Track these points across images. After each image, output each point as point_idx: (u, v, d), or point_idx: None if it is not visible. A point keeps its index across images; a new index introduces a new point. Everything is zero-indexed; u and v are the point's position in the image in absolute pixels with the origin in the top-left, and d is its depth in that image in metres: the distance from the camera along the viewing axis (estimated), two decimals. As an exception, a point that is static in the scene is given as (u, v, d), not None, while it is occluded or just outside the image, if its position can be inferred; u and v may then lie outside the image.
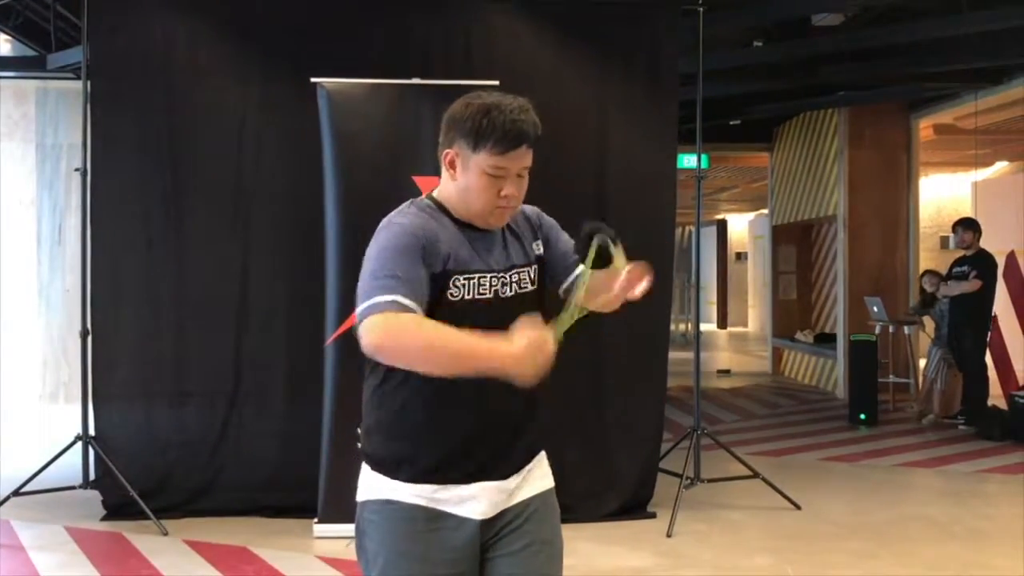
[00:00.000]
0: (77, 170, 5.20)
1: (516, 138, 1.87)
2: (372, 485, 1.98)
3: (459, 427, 1.92)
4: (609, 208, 5.30)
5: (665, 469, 5.48)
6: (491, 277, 1.95)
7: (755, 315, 19.95)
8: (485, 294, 1.94)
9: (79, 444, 5.12)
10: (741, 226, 21.66)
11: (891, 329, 9.27)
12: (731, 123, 10.88)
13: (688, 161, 9.10)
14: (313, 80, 4.83)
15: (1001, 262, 8.37)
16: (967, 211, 9.61)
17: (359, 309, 1.82)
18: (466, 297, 1.91)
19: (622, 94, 5.35)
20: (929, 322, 8.91)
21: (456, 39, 5.29)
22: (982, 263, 8.03)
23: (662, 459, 5.48)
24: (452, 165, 1.95)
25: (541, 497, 2.05)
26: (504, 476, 1.97)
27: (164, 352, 5.21)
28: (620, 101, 5.35)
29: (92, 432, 5.13)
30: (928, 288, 8.60)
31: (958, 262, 8.30)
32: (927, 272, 8.80)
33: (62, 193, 8.98)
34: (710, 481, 5.45)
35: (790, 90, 9.32)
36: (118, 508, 5.08)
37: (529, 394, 1.92)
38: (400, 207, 2.00)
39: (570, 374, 5.28)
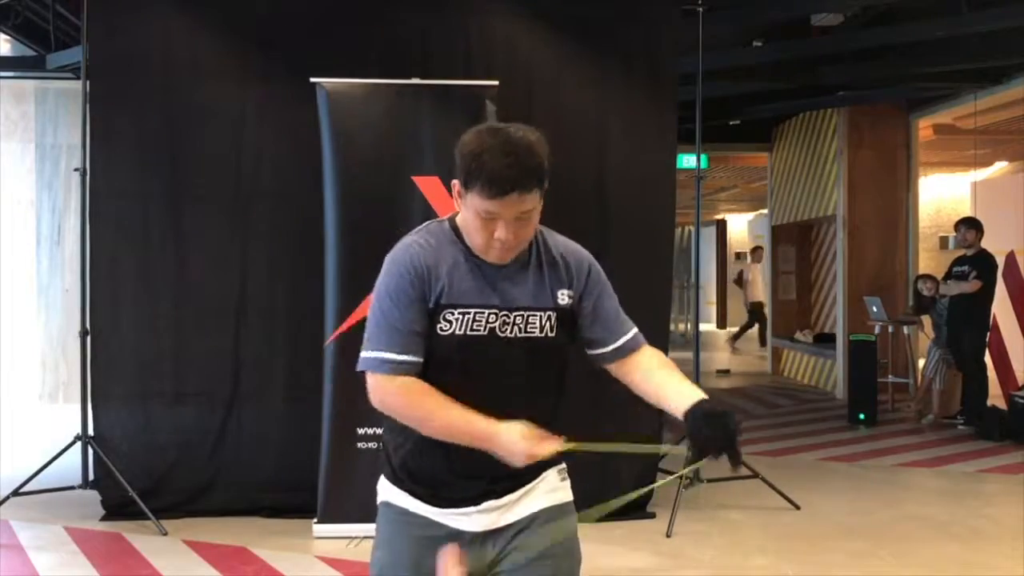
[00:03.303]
0: (77, 170, 5.20)
1: (502, 186, 1.78)
2: (382, 486, 2.02)
3: (466, 466, 1.89)
4: (609, 208, 5.30)
5: (665, 469, 5.47)
6: (489, 313, 1.87)
7: (754, 315, 19.94)
8: (479, 331, 1.87)
9: (78, 444, 5.12)
10: (740, 226, 21.66)
11: (890, 329, 9.27)
12: (731, 123, 10.88)
13: (688, 161, 9.09)
14: (313, 80, 4.82)
15: (1001, 262, 8.36)
16: (967, 211, 9.61)
17: (363, 356, 1.87)
18: (456, 332, 1.86)
19: (622, 94, 5.35)
20: (928, 322, 8.91)
21: (456, 39, 5.29)
22: (982, 263, 8.03)
23: (662, 459, 5.47)
24: (458, 195, 1.89)
25: (547, 512, 1.99)
26: (502, 495, 1.95)
27: (163, 352, 5.21)
28: (620, 101, 5.35)
29: (91, 432, 5.13)
30: (925, 292, 8.58)
31: (957, 261, 8.30)
32: (922, 276, 8.79)
33: (61, 193, 8.98)
34: (710, 481, 5.45)
35: (790, 90, 9.32)
36: (117, 508, 5.07)
37: (541, 410, 1.93)
38: (420, 226, 1.97)
39: (569, 374, 5.29)
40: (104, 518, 5.09)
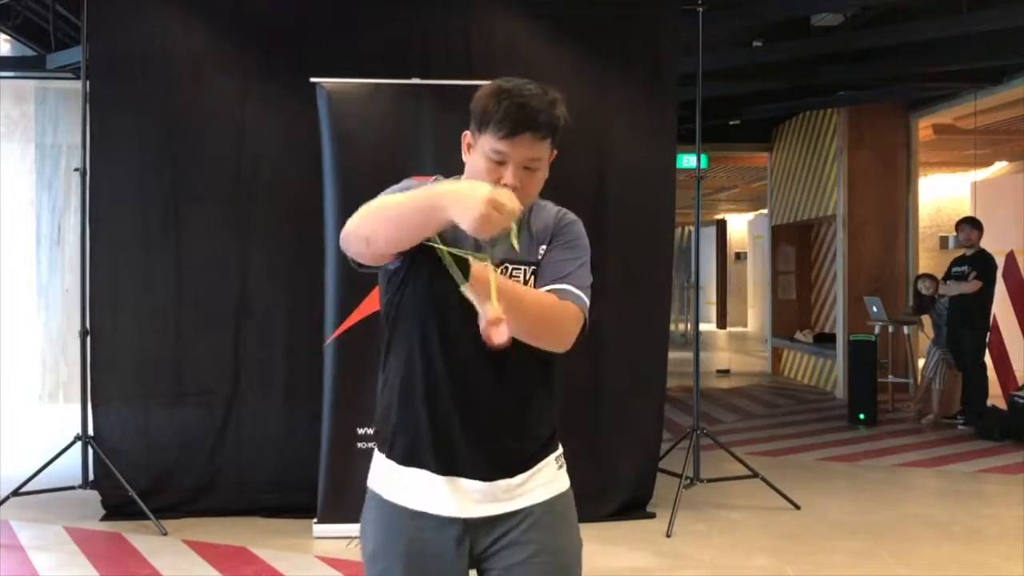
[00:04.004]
0: (76, 170, 5.20)
1: (516, 123, 1.79)
2: (372, 469, 1.96)
3: (441, 416, 1.86)
4: (609, 208, 5.30)
5: (665, 469, 5.48)
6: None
7: (754, 315, 19.96)
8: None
9: (78, 444, 5.12)
10: (740, 226, 21.67)
11: (890, 329, 9.27)
12: (731, 123, 10.88)
13: (688, 161, 9.10)
14: (313, 80, 4.82)
15: (1000, 262, 8.37)
16: (967, 211, 9.61)
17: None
18: (447, 279, 1.82)
19: (622, 94, 5.35)
20: (928, 322, 8.91)
21: (456, 39, 5.29)
22: (982, 263, 8.04)
23: (661, 459, 5.48)
24: (468, 148, 1.90)
25: (547, 505, 1.93)
26: (489, 477, 1.87)
27: (163, 352, 5.21)
28: (620, 101, 5.35)
29: (91, 432, 5.13)
30: (924, 292, 8.59)
31: (957, 261, 8.30)
32: (922, 275, 8.80)
33: (61, 193, 8.98)
34: (709, 481, 5.46)
35: (790, 90, 9.32)
36: (117, 508, 5.07)
37: (526, 394, 1.91)
38: (402, 183, 1.98)
39: (569, 374, 5.30)
40: (104, 518, 5.09)
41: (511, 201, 1.63)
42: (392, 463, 1.91)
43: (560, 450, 2.02)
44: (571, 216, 2.01)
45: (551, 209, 2.02)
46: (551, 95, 1.88)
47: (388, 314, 1.93)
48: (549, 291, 1.87)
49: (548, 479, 1.96)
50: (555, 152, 1.92)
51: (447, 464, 1.87)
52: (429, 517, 1.88)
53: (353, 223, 1.77)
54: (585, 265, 1.95)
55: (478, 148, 1.86)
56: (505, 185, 1.79)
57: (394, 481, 1.91)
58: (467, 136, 1.90)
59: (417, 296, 1.86)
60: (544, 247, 1.94)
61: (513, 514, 1.90)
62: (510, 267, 1.88)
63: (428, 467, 1.87)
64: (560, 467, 2.00)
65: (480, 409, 1.87)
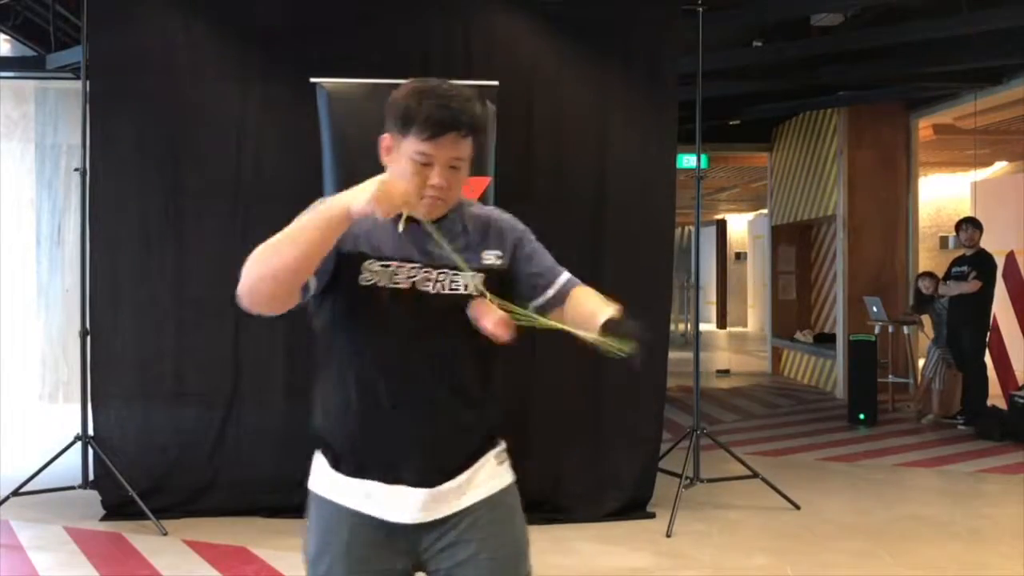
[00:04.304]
0: (77, 170, 5.20)
1: (441, 124, 1.80)
2: (314, 474, 1.96)
3: (382, 424, 1.87)
4: (609, 208, 5.30)
5: (664, 469, 5.48)
6: (411, 268, 1.85)
7: (754, 315, 19.97)
8: (400, 284, 1.85)
9: (78, 444, 5.12)
10: (740, 226, 21.67)
11: (890, 329, 9.27)
12: (731, 123, 10.88)
13: (688, 161, 9.09)
14: (313, 80, 4.82)
15: (1001, 262, 8.37)
16: (967, 211, 9.61)
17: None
18: (379, 284, 1.84)
19: (622, 94, 5.35)
20: (928, 322, 8.91)
21: (456, 39, 5.29)
22: (982, 263, 8.04)
23: (661, 459, 5.48)
24: (388, 151, 1.90)
25: (488, 502, 1.94)
26: (430, 483, 1.88)
27: (163, 352, 5.21)
28: (620, 101, 5.35)
29: (91, 432, 5.13)
30: (925, 291, 8.60)
31: (957, 262, 8.30)
32: (923, 274, 8.80)
33: (61, 193, 8.98)
34: (709, 481, 5.46)
35: (790, 90, 9.32)
36: (117, 508, 5.07)
37: (466, 395, 1.92)
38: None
39: (569, 374, 5.30)
40: (104, 518, 5.09)
41: (402, 185, 1.71)
42: (334, 472, 1.92)
43: (502, 446, 2.03)
44: (514, 220, 2.03)
45: (491, 213, 2.02)
46: (468, 93, 1.88)
47: (323, 329, 1.94)
48: (567, 288, 1.96)
49: (488, 476, 1.97)
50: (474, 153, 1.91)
51: (389, 472, 1.88)
52: (372, 519, 1.89)
53: (247, 278, 1.74)
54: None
55: (401, 151, 1.86)
56: (433, 186, 1.82)
57: (337, 485, 1.92)
58: (386, 139, 1.90)
59: (347, 309, 1.87)
60: (497, 254, 1.94)
61: (455, 515, 1.91)
62: (450, 272, 1.87)
63: (370, 475, 1.88)
64: (501, 463, 2.01)
65: (420, 414, 1.87)
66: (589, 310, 1.89)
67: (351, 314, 1.86)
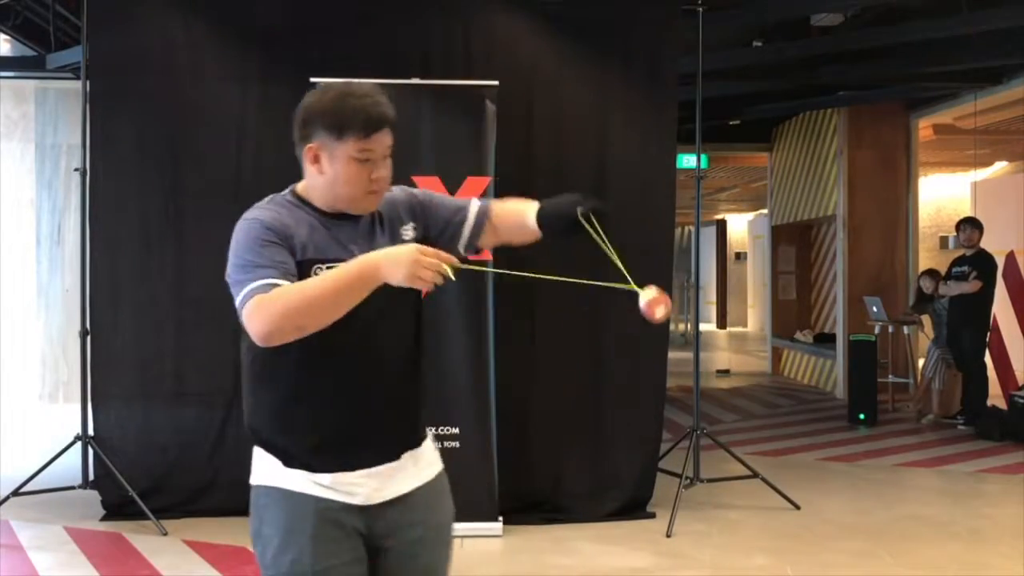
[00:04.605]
0: (77, 170, 5.20)
1: (378, 120, 1.89)
2: (262, 469, 2.00)
3: (333, 418, 1.95)
4: (609, 208, 5.29)
5: (664, 469, 5.48)
6: None
7: (754, 315, 19.97)
8: None
9: (78, 444, 5.12)
10: (740, 226, 21.67)
11: (890, 329, 9.27)
12: (731, 123, 10.88)
13: (688, 161, 9.10)
14: (313, 80, 4.81)
15: (1001, 262, 8.37)
16: (967, 211, 9.61)
17: (238, 304, 1.87)
18: None
19: (622, 94, 5.35)
20: (928, 322, 8.91)
21: (456, 39, 5.29)
22: (982, 263, 8.03)
23: (661, 459, 5.48)
24: (316, 159, 1.94)
25: (430, 485, 2.08)
26: (382, 462, 1.99)
27: (163, 352, 5.21)
28: (620, 101, 5.35)
29: (91, 432, 5.13)
30: (925, 290, 8.60)
31: (957, 262, 8.30)
32: (925, 272, 8.80)
33: (61, 193, 8.98)
34: (709, 481, 5.46)
35: (790, 90, 9.31)
36: (117, 508, 5.08)
37: (404, 381, 2.03)
38: (258, 203, 2.04)
39: (569, 374, 5.30)
40: (104, 518, 5.09)
41: (437, 261, 1.75)
42: (278, 463, 1.97)
43: (431, 434, 2.17)
44: (403, 188, 2.13)
45: (393, 192, 2.10)
46: (378, 88, 1.97)
47: None
48: (485, 207, 2.09)
49: (428, 461, 2.11)
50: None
51: (344, 458, 1.96)
52: (333, 504, 1.95)
53: (274, 320, 1.78)
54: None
55: (338, 155, 1.91)
56: (378, 178, 1.93)
57: (292, 477, 1.96)
58: (312, 149, 1.94)
59: None
60: (412, 226, 2.06)
61: (403, 497, 2.02)
62: None
63: (326, 465, 1.95)
64: (433, 447, 2.15)
65: (368, 401, 1.96)
66: (516, 215, 2.06)
67: None
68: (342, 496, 1.95)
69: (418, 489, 2.05)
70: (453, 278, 1.76)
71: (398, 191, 2.10)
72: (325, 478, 1.95)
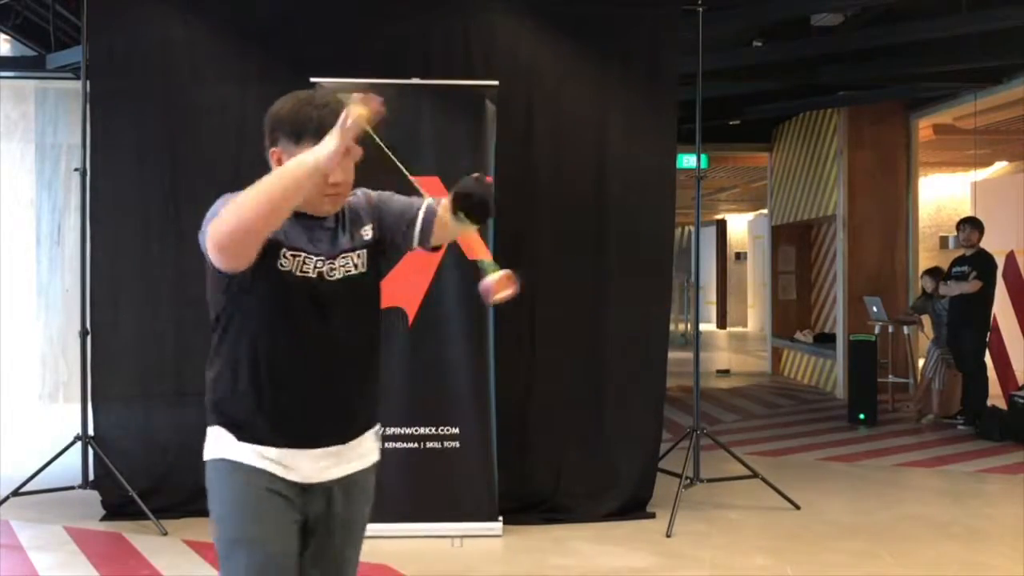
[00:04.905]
0: (77, 170, 5.20)
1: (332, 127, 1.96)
2: (212, 444, 2.12)
3: (287, 396, 2.07)
4: (609, 207, 5.30)
5: (664, 469, 5.48)
6: (317, 260, 2.08)
7: (754, 315, 19.97)
8: (309, 273, 2.07)
9: (78, 444, 5.12)
10: (740, 226, 21.67)
11: (890, 329, 9.28)
12: (731, 123, 10.88)
13: (688, 161, 9.10)
14: (313, 80, 4.82)
15: (1001, 262, 8.37)
16: (967, 211, 9.61)
17: (201, 240, 1.97)
18: (294, 271, 2.05)
19: (622, 94, 5.35)
20: (928, 322, 8.91)
21: (456, 39, 5.28)
22: (982, 263, 8.03)
23: (661, 459, 5.48)
24: (280, 163, 2.07)
25: (362, 474, 2.19)
26: (329, 444, 2.11)
27: (164, 352, 5.20)
28: (620, 101, 5.35)
29: (91, 432, 5.13)
30: (926, 288, 8.60)
31: (957, 262, 8.30)
32: (926, 271, 8.80)
33: (61, 193, 8.98)
34: (709, 481, 5.46)
35: (790, 90, 9.32)
36: (117, 508, 5.07)
37: (360, 370, 2.14)
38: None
39: (569, 374, 5.30)
40: (104, 518, 5.09)
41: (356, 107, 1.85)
42: (235, 439, 2.08)
43: (379, 425, 2.29)
44: (364, 191, 2.26)
45: (357, 195, 2.23)
46: (337, 96, 2.08)
47: (224, 312, 2.09)
48: (433, 206, 2.21)
49: (370, 448, 2.23)
50: None
51: (289, 437, 2.07)
52: (276, 480, 2.07)
53: (228, 223, 1.87)
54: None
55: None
56: (336, 183, 2.05)
57: (243, 452, 2.08)
58: (276, 153, 2.10)
59: (264, 290, 2.04)
60: (371, 227, 2.18)
61: (343, 479, 2.14)
62: (344, 257, 2.12)
63: (269, 442, 2.07)
64: (375, 440, 2.26)
65: (318, 388, 2.08)
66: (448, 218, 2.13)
67: (268, 294, 2.05)
68: (287, 472, 2.07)
69: (356, 474, 2.17)
70: (372, 132, 1.91)
71: (361, 194, 2.22)
72: (272, 452, 2.06)
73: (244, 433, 2.07)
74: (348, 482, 2.16)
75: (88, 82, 5.18)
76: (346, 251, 2.12)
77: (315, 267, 2.07)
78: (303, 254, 2.06)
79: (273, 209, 1.87)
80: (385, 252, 2.22)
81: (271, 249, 2.01)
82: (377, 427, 2.27)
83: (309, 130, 2.01)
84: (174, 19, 5.21)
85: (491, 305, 1.94)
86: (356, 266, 2.13)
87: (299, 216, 2.07)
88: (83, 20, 5.23)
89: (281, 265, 2.04)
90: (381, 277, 2.22)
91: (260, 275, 2.01)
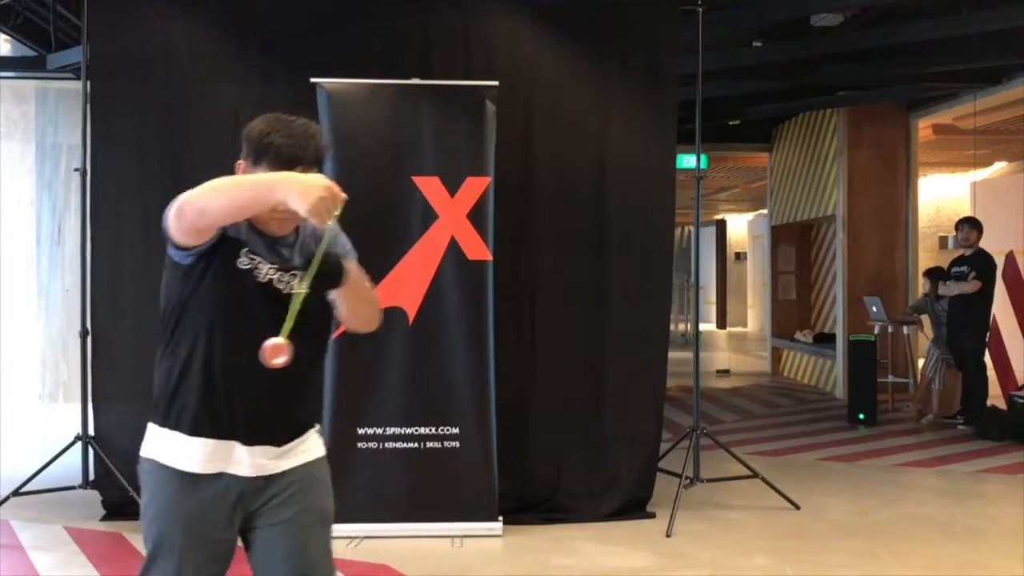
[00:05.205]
0: (77, 170, 5.20)
1: (289, 160, 2.10)
2: (149, 440, 2.20)
3: (227, 392, 2.13)
4: (609, 208, 5.30)
5: (664, 469, 5.48)
6: (269, 267, 2.17)
7: (754, 315, 19.97)
8: (259, 277, 2.15)
9: (78, 444, 5.12)
10: (740, 226, 21.67)
11: (890, 329, 9.28)
12: (731, 123, 10.88)
13: (687, 161, 9.09)
14: (313, 80, 4.82)
15: (1000, 262, 8.37)
16: (967, 211, 9.62)
17: (167, 214, 2.08)
18: (251, 272, 2.14)
19: (622, 94, 5.35)
20: (928, 322, 8.91)
21: (456, 39, 5.29)
22: (981, 263, 8.03)
23: (661, 459, 5.48)
24: (243, 174, 2.19)
25: (307, 467, 2.25)
26: (268, 442, 2.17)
27: (164, 352, 5.20)
28: (620, 101, 5.35)
29: (92, 432, 5.13)
30: (925, 288, 8.60)
31: (956, 262, 8.30)
32: (929, 271, 8.80)
33: (61, 193, 8.97)
34: (709, 481, 5.46)
35: (789, 90, 9.31)
36: (118, 508, 5.07)
37: (302, 377, 2.20)
38: None
39: (570, 374, 5.30)
40: (104, 518, 5.09)
41: (339, 191, 1.92)
42: (177, 433, 2.14)
43: (319, 425, 2.37)
44: (338, 227, 2.26)
45: (329, 225, 2.28)
46: (315, 129, 2.19)
47: (177, 304, 2.17)
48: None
49: (311, 445, 2.29)
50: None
51: (230, 432, 2.13)
52: (208, 480, 2.12)
53: (192, 195, 2.02)
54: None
55: None
56: (278, 209, 2.07)
57: (176, 448, 2.14)
58: (240, 164, 2.23)
59: (220, 287, 2.13)
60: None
61: (282, 475, 2.19)
62: (297, 274, 2.16)
63: (213, 434, 2.13)
64: (319, 436, 2.34)
65: (264, 384, 2.12)
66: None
67: (222, 291, 2.13)
68: (224, 467, 2.13)
69: (296, 469, 2.21)
70: (336, 219, 1.94)
71: (333, 226, 2.23)
72: (210, 448, 2.12)
73: (183, 427, 2.13)
74: (290, 476, 2.20)
75: (88, 82, 5.18)
76: (296, 269, 2.19)
77: (266, 273, 2.16)
78: (258, 259, 2.15)
79: (238, 208, 2.03)
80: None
81: (232, 247, 2.12)
82: (317, 426, 2.35)
83: (267, 156, 2.12)
84: (174, 19, 5.21)
85: (268, 368, 2.04)
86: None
87: (255, 227, 2.18)
88: (83, 20, 5.23)
89: (240, 264, 2.13)
90: (326, 297, 2.24)
91: (219, 272, 2.11)
